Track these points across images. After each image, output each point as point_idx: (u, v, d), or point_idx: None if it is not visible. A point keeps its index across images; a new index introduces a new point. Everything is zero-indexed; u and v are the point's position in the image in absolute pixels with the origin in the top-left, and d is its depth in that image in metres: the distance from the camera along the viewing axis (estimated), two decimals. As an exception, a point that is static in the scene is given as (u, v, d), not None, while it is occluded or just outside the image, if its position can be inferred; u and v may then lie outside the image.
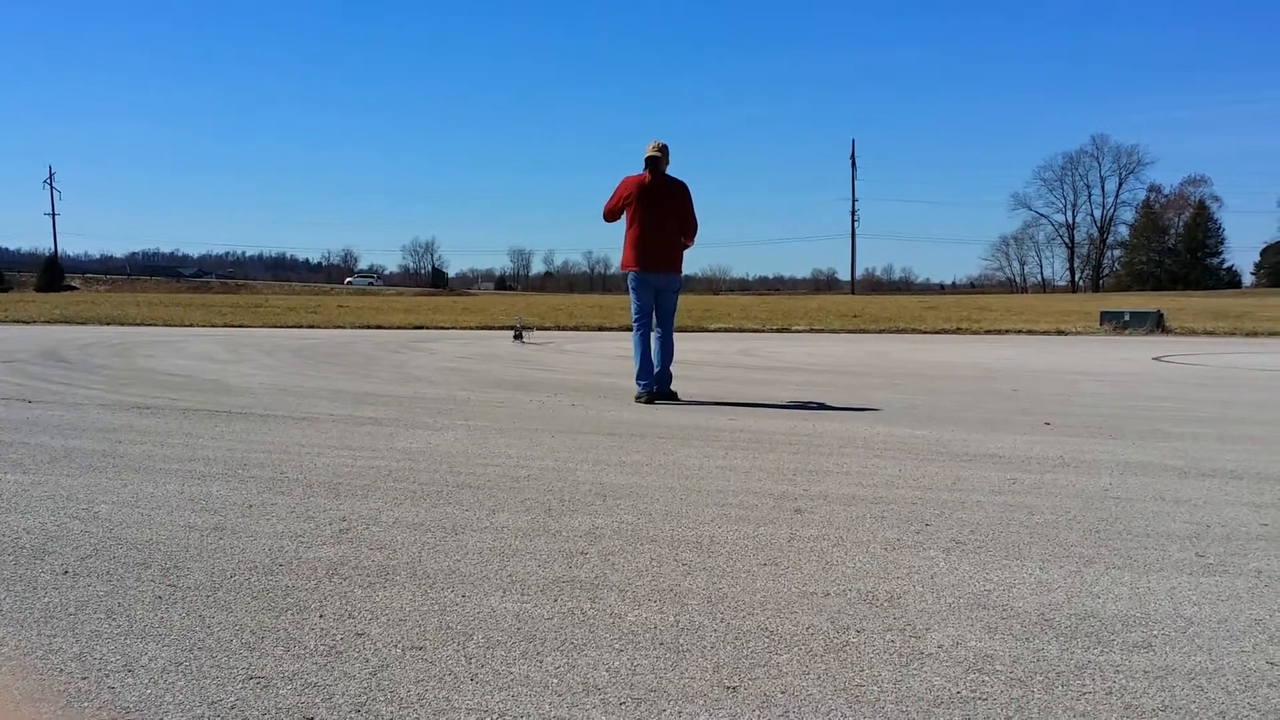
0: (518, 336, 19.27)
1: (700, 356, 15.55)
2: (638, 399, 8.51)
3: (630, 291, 8.68)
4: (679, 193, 8.53)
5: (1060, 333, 27.22)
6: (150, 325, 25.82)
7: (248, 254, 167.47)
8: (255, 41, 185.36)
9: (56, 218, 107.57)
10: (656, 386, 8.50)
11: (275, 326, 26.32)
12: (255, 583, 3.20)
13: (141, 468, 5.17)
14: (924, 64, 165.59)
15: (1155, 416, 7.87)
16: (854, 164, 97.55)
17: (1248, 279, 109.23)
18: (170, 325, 25.95)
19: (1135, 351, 17.79)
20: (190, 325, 26.06)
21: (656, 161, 8.52)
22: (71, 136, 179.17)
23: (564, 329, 27.41)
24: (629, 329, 28.07)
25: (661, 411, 7.89)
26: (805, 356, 15.95)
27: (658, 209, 8.46)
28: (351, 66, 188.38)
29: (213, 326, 25.83)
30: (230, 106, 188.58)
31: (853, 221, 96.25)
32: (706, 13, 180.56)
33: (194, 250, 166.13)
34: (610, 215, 8.68)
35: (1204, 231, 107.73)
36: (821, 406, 8.24)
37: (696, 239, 8.66)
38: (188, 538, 3.74)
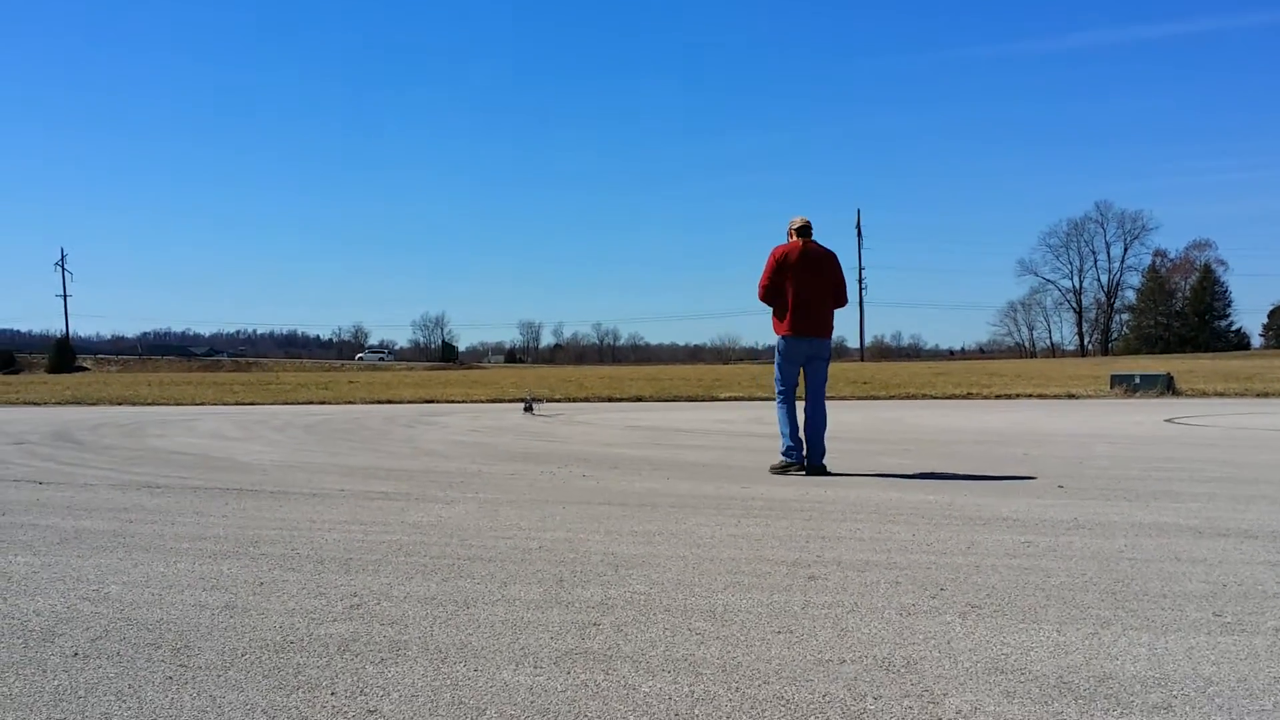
0: (528, 409, 19.28)
1: (712, 425, 15.53)
2: (776, 470, 8.36)
3: (779, 358, 8.50)
4: (832, 260, 8.45)
5: (1071, 396, 27.15)
6: (161, 405, 25.91)
7: (259, 332, 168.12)
8: (262, 122, 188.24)
9: (68, 299, 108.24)
10: (809, 460, 8.27)
11: (286, 403, 26.39)
12: (267, 661, 3.18)
13: (152, 547, 5.16)
14: (927, 133, 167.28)
15: (1168, 477, 7.82)
16: (860, 233, 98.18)
17: (1256, 340, 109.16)
18: (181, 404, 26.02)
19: (1146, 414, 17.73)
20: (201, 404, 26.12)
21: (809, 230, 8.49)
22: (83, 218, 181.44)
23: (574, 400, 27.43)
24: (637, 400, 28.06)
25: (673, 481, 7.87)
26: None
27: (813, 274, 8.36)
28: (358, 146, 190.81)
29: (224, 404, 25.89)
30: (239, 185, 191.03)
31: (860, 290, 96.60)
32: (707, 88, 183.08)
33: (205, 329, 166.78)
34: (769, 290, 8.45)
35: (1210, 294, 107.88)
36: (833, 473, 8.21)
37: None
38: (199, 617, 3.73)
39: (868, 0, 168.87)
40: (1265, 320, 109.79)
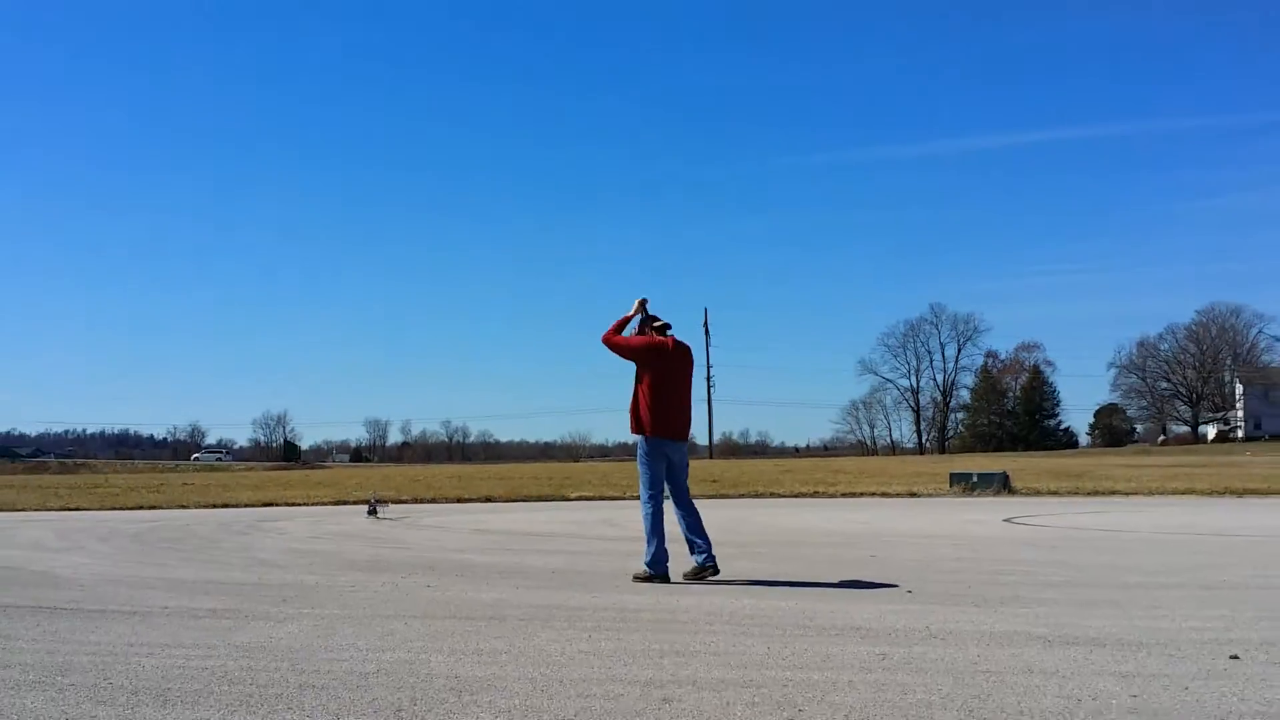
0: (372, 512, 18.67)
1: (562, 527, 15.24)
2: (640, 578, 8.01)
3: (641, 460, 8.13)
4: (690, 355, 8.34)
5: (913, 495, 27.77)
6: (-25, 509, 24.29)
7: (89, 431, 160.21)
8: (96, 213, 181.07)
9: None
10: (704, 559, 7.93)
11: (115, 508, 25.02)
12: (63, 816, 2.85)
13: (-55, 678, 4.68)
14: (771, 234, 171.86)
15: (1013, 582, 7.93)
16: (707, 332, 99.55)
17: (1084, 439, 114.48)
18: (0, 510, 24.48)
19: (985, 513, 18.17)
20: (22, 510, 24.57)
21: (668, 328, 8.32)
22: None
23: (421, 501, 26.77)
24: (487, 500, 27.48)
25: (522, 591, 7.61)
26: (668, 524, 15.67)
27: (679, 375, 8.18)
28: (194, 234, 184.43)
29: (47, 510, 24.42)
30: (69, 274, 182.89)
31: (708, 388, 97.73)
32: (558, 186, 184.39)
33: (31, 429, 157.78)
34: (617, 345, 8.20)
35: (1040, 394, 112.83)
36: (682, 580, 8.05)
37: None
38: (-11, 762, 3.35)
39: (712, 108, 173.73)
40: (1092, 420, 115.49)
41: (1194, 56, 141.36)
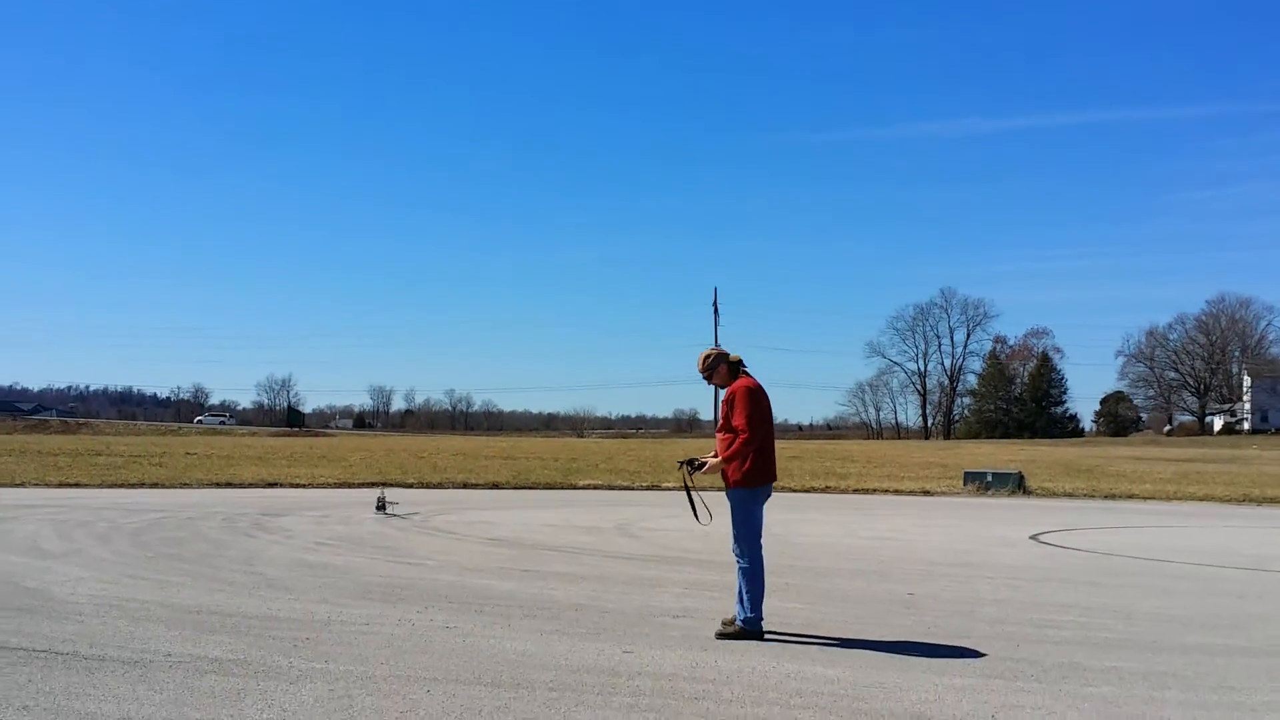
0: (381, 508, 18.27)
1: (578, 537, 14.69)
2: (732, 635, 7.32)
3: (745, 512, 7.37)
4: None
5: (926, 493, 27.48)
6: (-24, 482, 24.00)
7: (91, 388, 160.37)
8: (98, 163, 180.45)
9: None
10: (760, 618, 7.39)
11: (115, 485, 24.70)
12: None
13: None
14: (781, 214, 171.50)
15: (1067, 639, 7.48)
16: (716, 310, 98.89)
17: (1088, 425, 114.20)
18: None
19: (1008, 526, 17.71)
20: (20, 485, 24.25)
21: (741, 362, 7.72)
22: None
23: (428, 486, 26.46)
24: (494, 487, 27.07)
25: (547, 639, 7.15)
26: (684, 536, 15.01)
27: (771, 414, 7.58)
28: (204, 193, 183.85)
29: (46, 486, 24.11)
30: (73, 232, 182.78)
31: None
32: (551, 163, 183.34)
33: (34, 384, 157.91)
34: (748, 441, 7.30)
35: (1047, 381, 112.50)
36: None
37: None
38: None
39: (722, 80, 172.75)
40: (1098, 407, 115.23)
41: (1210, 42, 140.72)
